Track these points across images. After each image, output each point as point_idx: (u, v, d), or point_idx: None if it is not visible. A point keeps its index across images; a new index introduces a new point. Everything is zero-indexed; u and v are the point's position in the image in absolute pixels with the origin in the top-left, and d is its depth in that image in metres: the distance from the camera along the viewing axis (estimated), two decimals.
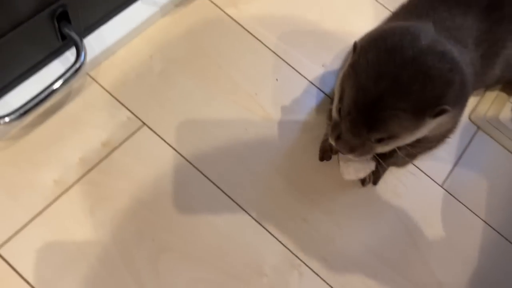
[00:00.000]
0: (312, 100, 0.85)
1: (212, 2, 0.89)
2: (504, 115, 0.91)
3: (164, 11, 0.85)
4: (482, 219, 0.81)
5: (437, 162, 0.84)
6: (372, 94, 0.58)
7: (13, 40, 0.63)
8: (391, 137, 0.62)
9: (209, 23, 0.87)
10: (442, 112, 0.60)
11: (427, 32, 0.63)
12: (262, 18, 0.90)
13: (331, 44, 0.91)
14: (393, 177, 0.81)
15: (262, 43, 0.88)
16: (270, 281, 0.70)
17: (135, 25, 0.81)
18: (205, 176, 0.75)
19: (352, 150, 0.63)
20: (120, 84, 0.79)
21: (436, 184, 0.83)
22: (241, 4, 0.90)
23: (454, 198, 0.82)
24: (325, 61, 0.88)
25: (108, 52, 0.80)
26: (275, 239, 0.73)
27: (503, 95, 0.93)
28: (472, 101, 0.90)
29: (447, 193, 0.82)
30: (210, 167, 0.76)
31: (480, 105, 0.91)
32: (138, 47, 0.83)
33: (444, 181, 0.83)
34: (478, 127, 0.89)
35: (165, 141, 0.76)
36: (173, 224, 0.71)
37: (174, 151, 0.76)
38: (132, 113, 0.77)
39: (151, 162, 0.74)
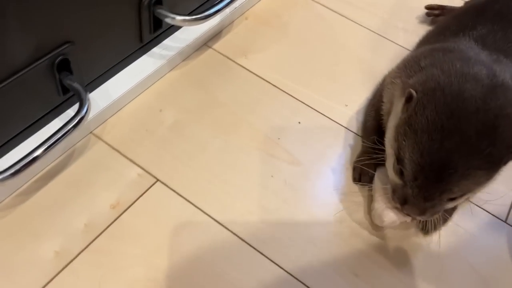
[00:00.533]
0: (339, 140, 0.76)
1: (221, 53, 0.85)
2: None
3: (171, 65, 0.80)
4: None
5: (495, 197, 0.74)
6: (440, 157, 0.51)
7: (9, 92, 0.57)
8: (465, 194, 0.55)
9: (220, 73, 0.82)
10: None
11: (480, 61, 0.57)
12: (274, 65, 0.85)
13: (350, 83, 0.85)
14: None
15: (277, 88, 0.82)
16: None
17: (141, 79, 0.75)
18: (233, 232, 0.64)
19: (422, 212, 0.55)
20: (128, 140, 0.71)
21: (500, 220, 0.71)
22: (251, 54, 0.85)
23: None
24: (347, 101, 0.82)
25: (114, 108, 0.73)
26: None
27: None
28: None
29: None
30: (237, 221, 0.65)
31: None
32: (146, 101, 0.76)
33: (507, 217, 0.72)
34: None
35: (182, 196, 0.66)
36: None
37: (193, 206, 0.66)
38: (143, 169, 0.68)
39: (167, 222, 0.64)
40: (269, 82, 0.82)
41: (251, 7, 0.93)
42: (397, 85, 0.65)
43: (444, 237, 0.67)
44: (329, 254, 0.64)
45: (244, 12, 0.92)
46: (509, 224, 0.71)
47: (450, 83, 0.54)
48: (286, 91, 0.81)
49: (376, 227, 0.66)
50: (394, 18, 0.98)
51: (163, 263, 0.60)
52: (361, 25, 0.95)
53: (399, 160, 0.56)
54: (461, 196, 0.54)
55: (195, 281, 0.59)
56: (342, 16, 0.96)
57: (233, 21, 0.91)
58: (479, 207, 0.72)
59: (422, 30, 0.93)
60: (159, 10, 0.73)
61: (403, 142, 0.55)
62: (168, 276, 0.59)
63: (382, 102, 0.70)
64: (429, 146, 0.52)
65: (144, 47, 0.78)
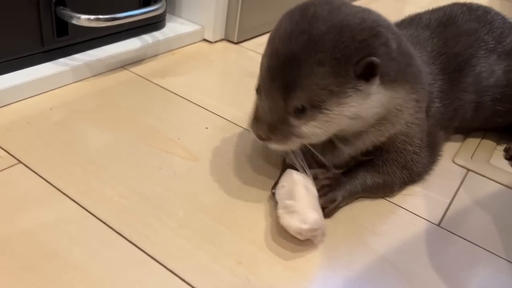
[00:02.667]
0: (246, 143, 0.68)
1: (138, 74, 0.82)
2: (495, 161, 0.73)
3: (78, 75, 0.76)
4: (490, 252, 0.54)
5: (429, 203, 0.62)
6: (285, 53, 0.48)
7: None
8: (315, 106, 0.48)
9: (130, 88, 0.77)
10: (371, 67, 0.48)
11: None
12: (191, 85, 0.81)
13: None
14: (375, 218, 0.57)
15: (189, 100, 0.76)
16: None
17: (34, 79, 0.71)
18: (91, 213, 0.52)
19: (270, 129, 0.50)
20: (1, 129, 0.63)
21: (432, 224, 0.59)
22: (169, 77, 0.82)
23: (454, 235, 0.57)
24: None
25: None
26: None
27: (488, 142, 0.77)
28: (452, 146, 0.74)
29: (447, 231, 0.58)
30: (101, 204, 0.53)
31: (463, 150, 0.74)
32: (38, 101, 0.70)
33: (441, 221, 0.59)
34: (468, 169, 0.70)
35: (43, 177, 0.56)
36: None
37: (53, 187, 0.55)
38: (7, 152, 0.59)
39: (16, 199, 0.52)
40: (182, 97, 0.77)
41: (179, 47, 0.93)
42: None
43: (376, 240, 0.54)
44: (209, 242, 0.51)
45: (172, 50, 0.92)
46: (443, 228, 0.58)
47: (302, 5, 0.52)
48: (198, 104, 0.75)
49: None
50: None
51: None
52: None
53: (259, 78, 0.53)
54: (313, 108, 0.49)
55: (27, 259, 0.45)
56: None
57: (157, 54, 0.89)
58: (412, 212, 0.60)
59: None
60: (63, 11, 0.72)
61: (262, 57, 0.53)
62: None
63: None
64: (277, 46, 0.49)
65: (49, 54, 0.74)
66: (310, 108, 0.49)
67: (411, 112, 0.57)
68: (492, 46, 0.68)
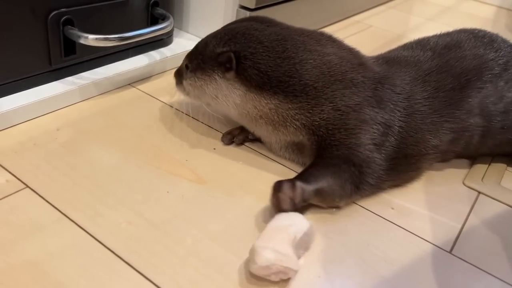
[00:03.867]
0: (256, 164, 0.67)
1: (145, 92, 0.81)
2: (506, 183, 0.72)
3: (84, 94, 0.76)
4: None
5: (440, 228, 0.61)
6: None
7: None
8: (191, 70, 0.67)
9: (137, 106, 0.77)
10: (230, 61, 0.62)
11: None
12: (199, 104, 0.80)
13: None
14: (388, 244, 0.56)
15: (197, 120, 0.75)
16: None
17: (42, 99, 0.70)
18: (98, 240, 0.51)
19: (175, 74, 0.72)
20: (9, 151, 0.63)
21: (444, 251, 0.58)
22: (176, 94, 0.81)
23: (466, 263, 0.56)
24: None
25: (4, 122, 0.66)
26: None
27: (499, 163, 0.75)
28: (462, 168, 0.73)
29: (459, 259, 0.57)
30: (108, 231, 0.53)
31: (473, 171, 0.73)
32: (45, 122, 0.70)
33: (452, 247, 0.58)
34: (479, 192, 0.69)
35: (49, 202, 0.55)
36: None
37: (59, 213, 0.54)
38: (14, 175, 0.59)
39: (22, 224, 0.52)
40: (188, 115, 0.76)
41: None
42: None
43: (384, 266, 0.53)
44: (217, 272, 0.50)
45: None
46: (454, 255, 0.57)
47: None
48: (204, 123, 0.75)
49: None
50: None
51: None
52: None
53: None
54: (190, 67, 0.67)
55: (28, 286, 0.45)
56: None
57: (165, 71, 0.89)
58: (423, 239, 0.59)
59: None
60: (71, 31, 0.71)
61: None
62: None
63: None
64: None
65: (56, 73, 0.74)
66: (191, 69, 0.67)
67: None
68: (498, 72, 0.68)
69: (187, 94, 0.69)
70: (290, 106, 0.62)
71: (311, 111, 0.61)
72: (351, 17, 1.33)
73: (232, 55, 0.62)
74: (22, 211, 0.54)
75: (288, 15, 1.00)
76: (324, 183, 0.58)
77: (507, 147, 0.71)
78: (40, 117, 0.71)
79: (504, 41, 0.74)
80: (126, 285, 0.47)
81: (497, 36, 0.74)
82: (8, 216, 0.53)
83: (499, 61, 0.69)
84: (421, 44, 0.72)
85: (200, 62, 0.65)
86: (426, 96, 0.65)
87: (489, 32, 0.75)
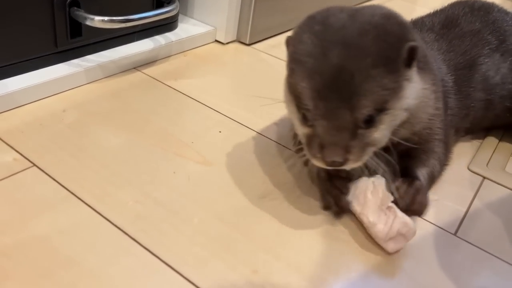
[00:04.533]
0: (261, 148, 0.67)
1: (150, 76, 0.81)
2: (511, 169, 0.72)
3: (90, 77, 0.76)
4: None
5: (445, 212, 0.61)
6: (329, 69, 0.45)
7: None
8: (381, 110, 0.47)
9: (143, 89, 0.77)
10: (412, 52, 0.48)
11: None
12: (205, 88, 0.80)
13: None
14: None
15: (202, 103, 0.76)
16: None
17: (47, 80, 0.70)
18: (105, 218, 0.52)
19: (347, 150, 0.46)
20: (15, 130, 0.63)
21: (449, 233, 0.58)
22: (182, 79, 0.82)
23: (470, 245, 0.56)
24: (277, 118, 0.74)
25: (10, 102, 0.66)
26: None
27: (504, 148, 0.76)
28: (467, 153, 0.73)
29: (463, 241, 0.57)
30: (115, 209, 0.53)
31: (478, 156, 0.73)
32: (51, 103, 0.70)
33: (457, 230, 0.59)
34: (484, 177, 0.69)
35: (56, 181, 0.56)
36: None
37: (67, 191, 0.54)
38: (21, 154, 0.59)
39: (30, 202, 0.52)
40: (194, 99, 0.76)
41: (192, 48, 0.93)
42: None
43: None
44: (224, 250, 0.50)
45: (184, 51, 0.91)
46: (459, 237, 0.58)
47: (316, 17, 0.50)
48: (211, 107, 0.75)
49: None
50: None
51: (8, 240, 0.47)
52: None
53: (299, 105, 0.48)
54: (377, 110, 0.46)
55: (42, 266, 0.45)
56: None
57: (170, 55, 0.89)
58: (428, 221, 0.59)
59: None
60: (77, 12, 0.71)
61: (294, 82, 0.48)
62: (5, 254, 0.46)
63: None
64: (315, 64, 0.46)
65: (62, 55, 0.74)
66: (377, 113, 0.47)
67: (432, 104, 0.57)
68: (495, 46, 0.69)
69: (372, 152, 0.50)
70: (433, 88, 0.57)
71: None
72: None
73: (412, 44, 0.49)
74: (30, 189, 0.54)
75: (293, 2, 0.99)
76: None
77: (507, 115, 0.72)
78: (46, 98, 0.71)
79: (500, 10, 0.73)
80: (134, 261, 0.47)
81: (492, 5, 0.74)
82: (16, 194, 0.53)
83: (496, 34, 0.70)
84: (417, 26, 0.72)
85: (384, 89, 0.46)
86: (449, 77, 0.65)
87: (485, 3, 0.74)
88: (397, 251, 0.52)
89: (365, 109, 0.46)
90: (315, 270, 0.50)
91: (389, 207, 0.51)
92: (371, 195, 0.52)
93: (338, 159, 0.46)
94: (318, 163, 0.48)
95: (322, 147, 0.46)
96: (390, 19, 0.49)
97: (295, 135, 0.59)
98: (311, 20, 0.50)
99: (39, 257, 0.46)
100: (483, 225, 0.60)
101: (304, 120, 0.49)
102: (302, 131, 0.50)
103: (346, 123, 0.46)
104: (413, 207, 0.53)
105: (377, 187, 0.52)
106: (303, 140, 0.50)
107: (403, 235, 0.50)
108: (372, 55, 0.45)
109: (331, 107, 0.45)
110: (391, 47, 0.47)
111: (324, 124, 0.46)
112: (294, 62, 0.49)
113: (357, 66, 0.45)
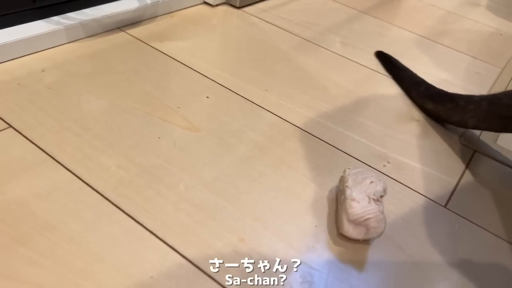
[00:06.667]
0: (251, 116, 0.65)
1: (134, 36, 0.77)
2: (502, 142, 0.71)
3: (71, 35, 0.72)
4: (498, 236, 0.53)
5: (436, 184, 0.60)
6: None
7: None
8: None
9: (127, 51, 0.73)
10: None
11: None
12: (192, 51, 0.77)
13: (274, 74, 0.76)
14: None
15: (189, 67, 0.72)
16: None
17: (25, 37, 0.66)
18: (87, 183, 0.49)
19: None
20: None
21: (439, 205, 0.57)
22: (168, 41, 0.78)
23: (460, 217, 0.56)
24: (268, 86, 0.72)
25: None
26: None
27: None
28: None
29: (453, 213, 0.56)
30: (98, 174, 0.51)
31: (470, 131, 0.72)
32: (30, 62, 0.66)
33: (447, 202, 0.58)
34: (475, 150, 0.68)
35: (35, 144, 0.53)
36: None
37: (45, 155, 0.52)
38: None
39: (7, 164, 0.49)
40: (181, 62, 0.73)
41: (179, 9, 0.89)
42: None
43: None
44: (211, 218, 0.49)
45: (171, 12, 0.87)
46: (449, 209, 0.57)
47: None
48: (199, 71, 0.72)
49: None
50: (333, 33, 0.93)
51: None
52: (297, 35, 0.90)
53: None
54: None
55: (19, 230, 0.43)
56: (278, 27, 0.91)
57: (156, 16, 0.85)
58: (419, 193, 0.58)
59: (362, 44, 0.89)
60: None
61: None
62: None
63: None
64: None
65: (41, 11, 0.70)
66: None
67: None
68: None
69: None
70: None
71: None
72: None
73: None
74: (5, 151, 0.51)
75: None
76: None
77: None
78: (24, 57, 0.67)
79: None
80: (115, 228, 0.45)
81: None
82: None
83: None
84: None
85: None
86: None
87: None
88: (346, 238, 0.49)
89: None
90: (302, 240, 0.48)
91: (377, 200, 0.49)
92: (368, 182, 0.50)
93: None
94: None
95: None
96: None
97: None
98: None
99: (15, 222, 0.44)
100: (473, 198, 0.60)
101: None
102: None
103: None
104: None
105: (378, 182, 0.51)
106: None
107: (367, 229, 0.48)
108: None
109: None
110: None
111: None
112: None
113: None
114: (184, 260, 0.44)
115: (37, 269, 0.40)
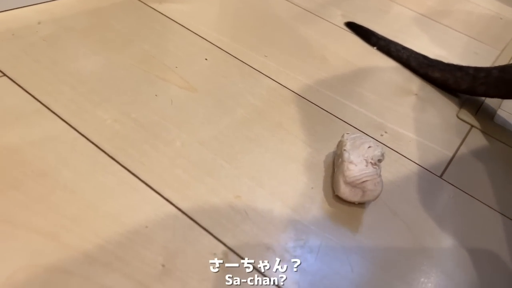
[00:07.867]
0: (249, 79, 0.64)
1: None
2: (499, 120, 0.71)
3: None
4: (492, 208, 0.54)
5: (433, 155, 0.60)
6: None
7: None
8: None
9: (125, 10, 0.72)
10: None
11: None
12: (192, 14, 0.75)
13: (275, 41, 0.75)
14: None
15: (188, 29, 0.71)
16: None
17: None
18: (82, 134, 0.48)
19: None
20: None
21: (434, 175, 0.57)
22: (168, 3, 0.76)
23: (455, 187, 0.56)
24: (268, 53, 0.71)
25: None
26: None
27: (493, 101, 0.75)
28: (458, 99, 0.72)
29: (448, 183, 0.56)
30: (93, 126, 0.50)
31: (468, 106, 0.72)
32: (25, 14, 0.64)
33: (443, 173, 0.58)
34: (471, 125, 0.68)
35: (30, 93, 0.52)
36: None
37: (40, 104, 0.51)
38: None
39: (7, 116, 0.48)
40: (180, 24, 0.72)
41: None
42: None
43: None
44: (207, 175, 0.48)
45: None
46: (444, 180, 0.57)
47: None
48: (198, 33, 0.71)
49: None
50: (334, 6, 0.92)
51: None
52: (298, 6, 0.88)
53: None
54: None
55: (12, 176, 0.42)
56: None
57: None
58: (415, 162, 0.58)
59: (362, 19, 0.87)
60: None
61: None
62: None
63: None
64: None
65: None
66: None
67: None
68: None
69: None
70: None
71: None
72: None
73: None
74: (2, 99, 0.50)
75: None
76: None
77: None
78: (19, 8, 0.65)
79: None
80: (110, 178, 0.45)
81: None
82: None
83: None
84: None
85: None
86: None
87: None
88: (342, 200, 0.49)
89: None
90: (298, 200, 0.48)
91: (374, 164, 0.49)
92: (367, 147, 0.50)
93: None
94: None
95: None
96: None
97: None
98: None
99: (9, 167, 0.43)
100: (468, 170, 0.60)
101: None
102: None
103: None
104: None
105: (376, 147, 0.50)
106: None
107: (364, 192, 0.47)
108: None
109: None
110: None
111: None
112: None
113: None
114: (180, 213, 0.43)
115: (30, 212, 0.39)
